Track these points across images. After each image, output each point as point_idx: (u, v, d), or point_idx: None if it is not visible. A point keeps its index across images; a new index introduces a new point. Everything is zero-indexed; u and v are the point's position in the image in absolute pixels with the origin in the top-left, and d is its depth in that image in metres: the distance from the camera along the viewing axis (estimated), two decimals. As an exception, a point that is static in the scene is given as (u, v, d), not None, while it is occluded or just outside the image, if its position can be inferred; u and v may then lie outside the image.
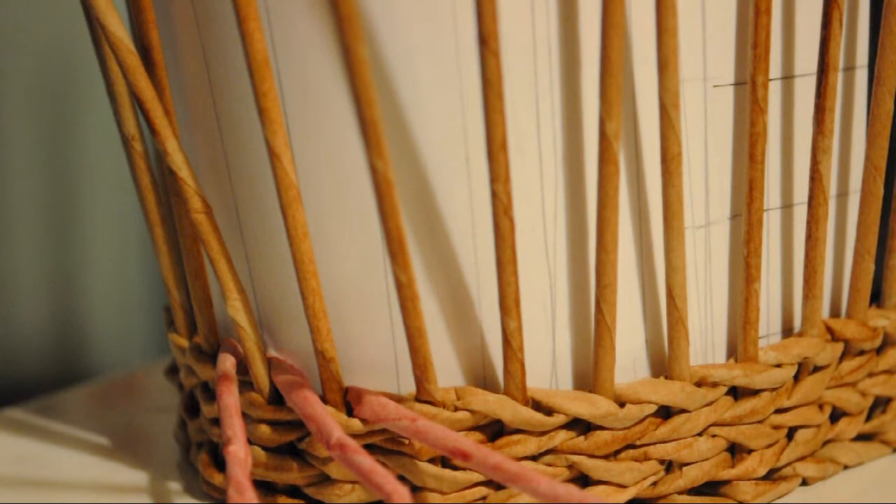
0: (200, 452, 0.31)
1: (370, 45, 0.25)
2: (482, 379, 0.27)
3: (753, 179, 0.27)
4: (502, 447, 0.27)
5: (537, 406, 0.27)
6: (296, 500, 0.29)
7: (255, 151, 0.27)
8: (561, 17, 0.26)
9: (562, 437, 0.27)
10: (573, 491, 0.26)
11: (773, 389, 0.28)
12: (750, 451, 0.29)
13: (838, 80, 0.29)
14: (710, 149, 0.28)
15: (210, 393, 0.30)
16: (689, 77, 0.27)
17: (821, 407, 0.30)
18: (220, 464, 0.30)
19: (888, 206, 0.30)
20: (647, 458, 0.28)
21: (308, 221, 0.26)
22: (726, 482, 0.29)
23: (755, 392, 0.28)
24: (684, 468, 0.28)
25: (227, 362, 0.28)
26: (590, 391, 0.27)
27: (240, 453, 0.26)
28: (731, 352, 0.29)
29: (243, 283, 0.28)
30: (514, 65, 0.25)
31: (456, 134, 0.26)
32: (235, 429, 0.26)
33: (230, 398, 0.27)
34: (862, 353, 0.30)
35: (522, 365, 0.26)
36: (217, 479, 0.30)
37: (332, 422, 0.27)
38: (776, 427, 0.29)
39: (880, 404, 0.31)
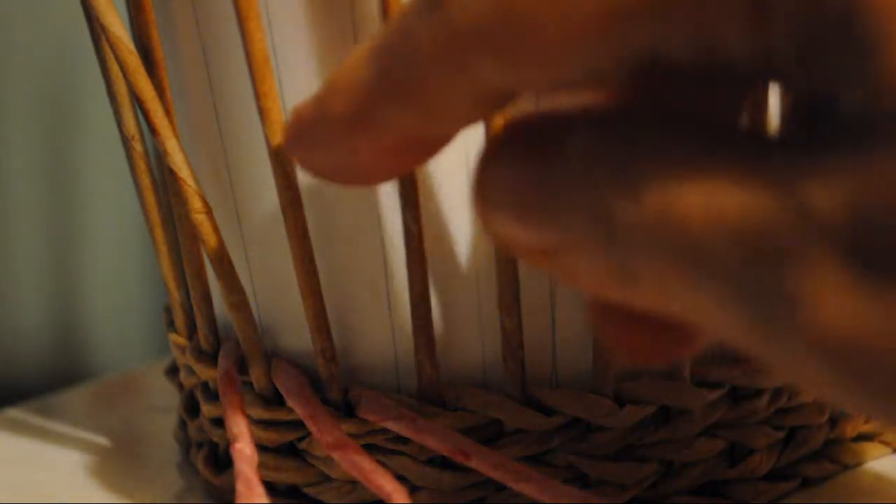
0: (200, 452, 0.31)
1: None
2: (482, 379, 0.27)
3: (753, 179, 0.27)
4: (502, 447, 0.27)
5: (537, 406, 0.27)
6: (296, 500, 0.29)
7: (255, 151, 0.27)
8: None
9: (562, 437, 0.27)
10: (573, 491, 0.26)
11: (774, 389, 0.28)
12: (750, 451, 0.29)
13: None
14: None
15: (210, 393, 0.30)
16: (689, 77, 0.27)
17: (821, 407, 0.30)
18: (220, 464, 0.30)
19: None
20: (647, 458, 0.28)
21: (308, 221, 0.26)
22: (726, 482, 0.29)
23: (755, 392, 0.28)
24: (684, 468, 0.28)
25: (229, 362, 0.28)
26: (590, 391, 0.27)
27: (246, 450, 0.26)
28: (732, 351, 0.29)
29: (243, 283, 0.28)
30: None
31: (456, 134, 0.26)
32: (241, 426, 0.27)
33: (234, 396, 0.27)
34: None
35: (522, 364, 0.26)
36: (217, 479, 0.30)
37: (332, 422, 0.27)
38: (776, 427, 0.29)
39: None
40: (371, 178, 0.20)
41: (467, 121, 0.18)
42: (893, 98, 0.14)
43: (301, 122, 0.19)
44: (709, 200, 0.15)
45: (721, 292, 0.15)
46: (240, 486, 0.25)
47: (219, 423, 0.30)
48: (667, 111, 0.17)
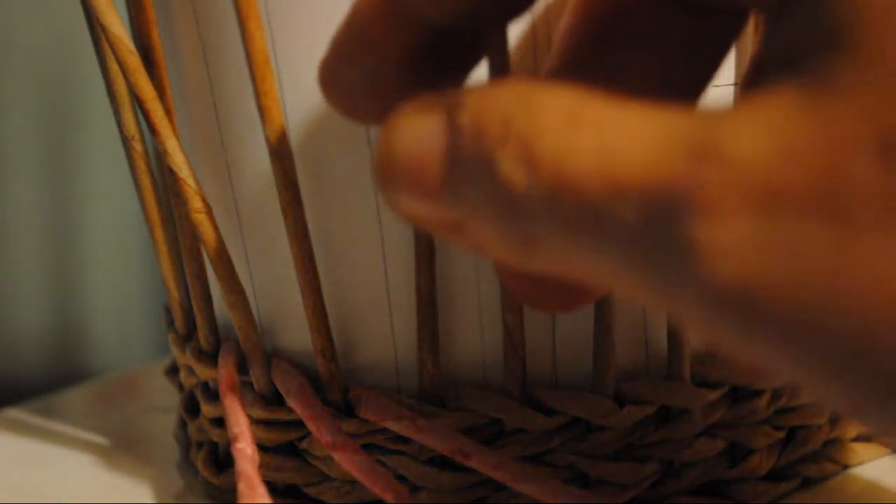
0: (200, 452, 0.31)
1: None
2: (482, 379, 0.27)
3: (753, 179, 0.27)
4: (502, 447, 0.27)
5: (537, 406, 0.27)
6: (296, 500, 0.29)
7: (255, 151, 0.27)
8: (562, 17, 0.26)
9: (562, 437, 0.27)
10: (573, 491, 0.26)
11: (774, 389, 0.28)
12: (750, 451, 0.29)
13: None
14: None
15: (210, 393, 0.30)
16: (690, 77, 0.27)
17: (821, 407, 0.30)
18: (220, 464, 0.30)
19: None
20: (647, 458, 0.28)
21: (308, 221, 0.26)
22: (726, 482, 0.29)
23: (755, 392, 0.28)
24: (684, 468, 0.28)
25: (229, 362, 0.28)
26: (590, 391, 0.27)
27: (247, 450, 0.26)
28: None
29: (243, 283, 0.28)
30: (514, 65, 0.25)
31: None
32: (242, 426, 0.27)
33: (234, 396, 0.27)
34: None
35: (523, 362, 0.26)
36: (217, 479, 0.30)
37: (331, 422, 0.27)
38: (776, 427, 0.29)
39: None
40: (401, 97, 0.19)
41: (494, 14, 0.18)
42: (831, 16, 0.13)
43: (333, 43, 0.19)
44: (605, 145, 0.14)
45: (620, 252, 0.15)
46: (242, 486, 0.25)
47: (219, 422, 0.30)
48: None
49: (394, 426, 0.26)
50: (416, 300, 0.26)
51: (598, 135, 0.15)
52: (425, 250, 0.26)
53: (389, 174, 0.18)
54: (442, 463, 0.27)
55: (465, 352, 0.27)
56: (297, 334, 0.28)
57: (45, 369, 0.49)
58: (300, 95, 0.26)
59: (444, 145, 0.17)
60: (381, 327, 0.27)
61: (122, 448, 0.34)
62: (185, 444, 0.33)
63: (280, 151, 0.25)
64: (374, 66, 0.19)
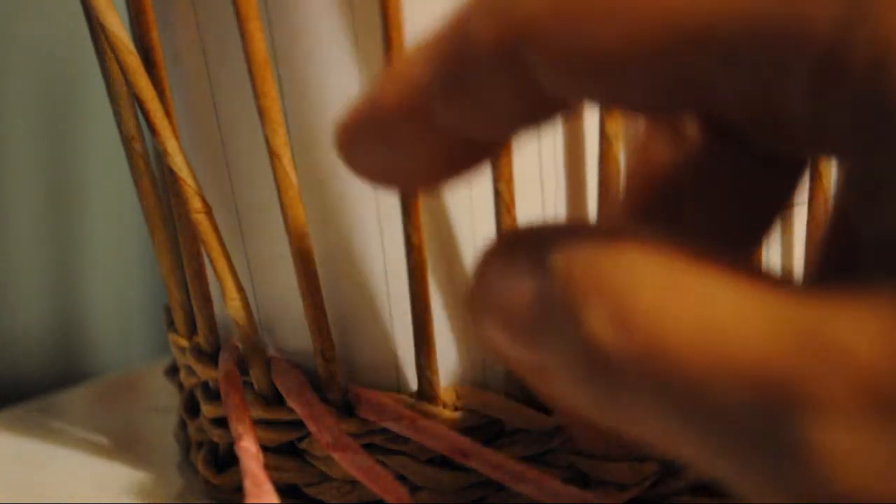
0: (200, 452, 0.31)
1: (372, 43, 0.25)
2: (482, 379, 0.27)
3: (753, 179, 0.27)
4: (502, 447, 0.27)
5: (537, 406, 0.27)
6: (296, 500, 0.29)
7: (255, 151, 0.27)
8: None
9: (562, 437, 0.27)
10: (573, 491, 0.26)
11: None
12: (750, 451, 0.29)
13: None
14: (710, 149, 0.28)
15: (210, 393, 0.30)
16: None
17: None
18: (220, 464, 0.30)
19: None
20: (647, 458, 0.28)
21: (308, 221, 0.26)
22: (726, 482, 0.29)
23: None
24: (684, 468, 0.28)
25: (230, 362, 0.28)
26: (590, 391, 0.27)
27: (251, 448, 0.26)
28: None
29: (243, 283, 0.28)
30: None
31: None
32: (245, 425, 0.27)
33: (236, 396, 0.27)
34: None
35: (522, 365, 0.26)
36: (217, 479, 0.30)
37: (331, 422, 0.27)
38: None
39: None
40: (420, 182, 0.19)
41: (517, 127, 0.17)
42: None
43: (352, 117, 0.19)
44: (708, 315, 0.13)
45: (716, 434, 0.14)
46: (248, 484, 0.25)
47: (219, 422, 0.30)
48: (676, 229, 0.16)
49: (394, 426, 0.26)
50: (411, 314, 0.26)
51: (700, 302, 0.14)
52: (418, 266, 0.26)
53: (481, 310, 0.17)
54: (442, 463, 0.27)
55: (464, 352, 0.27)
56: (297, 334, 0.28)
57: (45, 369, 0.49)
58: (300, 95, 0.26)
59: (536, 288, 0.16)
60: (381, 327, 0.27)
61: (122, 448, 0.34)
62: (185, 444, 0.33)
63: (279, 151, 0.25)
64: (390, 157, 0.18)
